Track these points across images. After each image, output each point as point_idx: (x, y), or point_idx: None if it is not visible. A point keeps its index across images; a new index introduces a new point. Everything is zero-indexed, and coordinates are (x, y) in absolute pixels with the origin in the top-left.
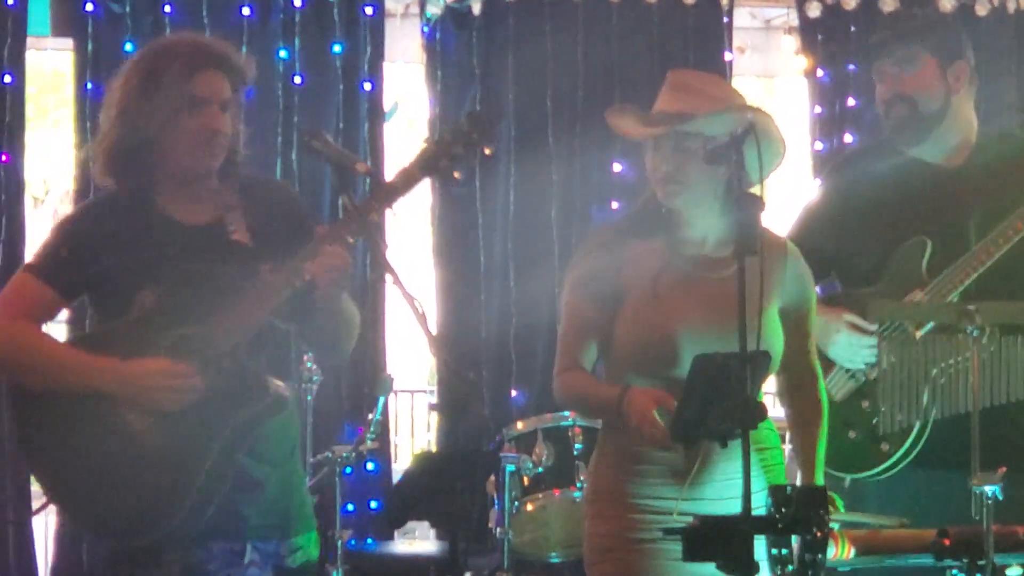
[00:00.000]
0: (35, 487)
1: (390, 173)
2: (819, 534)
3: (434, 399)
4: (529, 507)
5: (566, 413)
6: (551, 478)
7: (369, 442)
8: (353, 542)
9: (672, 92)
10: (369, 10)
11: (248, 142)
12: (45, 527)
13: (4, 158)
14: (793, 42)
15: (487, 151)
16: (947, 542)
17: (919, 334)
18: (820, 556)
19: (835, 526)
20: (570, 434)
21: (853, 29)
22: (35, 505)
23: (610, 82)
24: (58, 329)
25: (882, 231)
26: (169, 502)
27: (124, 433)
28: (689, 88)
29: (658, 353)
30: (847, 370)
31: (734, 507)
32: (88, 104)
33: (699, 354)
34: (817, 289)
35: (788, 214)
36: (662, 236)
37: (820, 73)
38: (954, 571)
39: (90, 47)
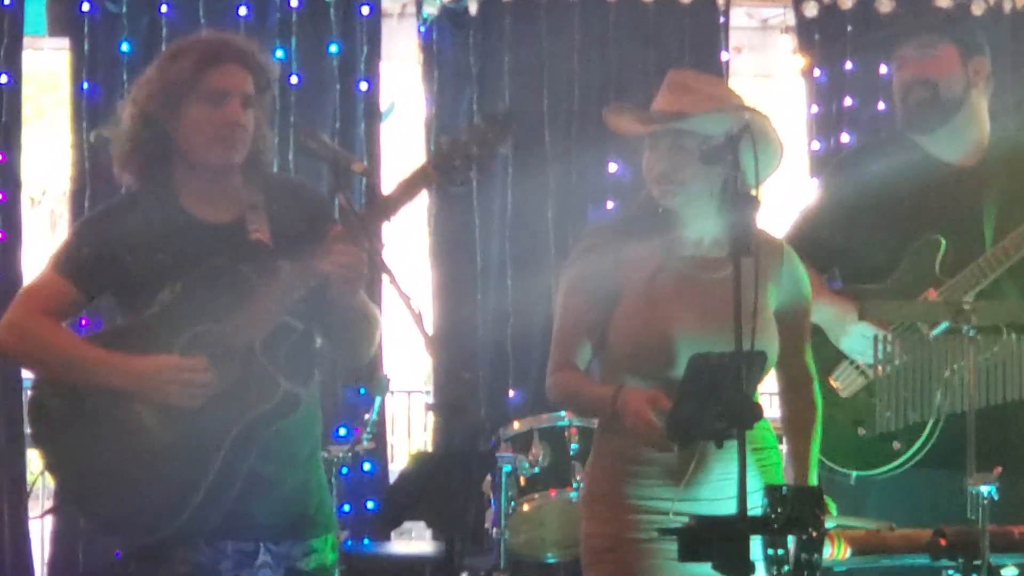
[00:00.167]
0: (34, 485)
1: (387, 173)
2: (815, 534)
3: (430, 399)
4: (525, 507)
5: (562, 413)
6: (547, 478)
7: (366, 442)
8: (350, 542)
9: (670, 91)
10: (365, 10)
11: None
12: (42, 527)
13: (1, 158)
14: (790, 42)
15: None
16: (943, 542)
17: (932, 334)
18: (816, 556)
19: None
20: (566, 434)
21: (850, 29)
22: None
23: (606, 82)
24: None
25: (895, 228)
26: (178, 499)
27: (136, 429)
28: (687, 87)
29: (654, 354)
30: (856, 366)
31: (730, 507)
32: (85, 104)
33: (695, 354)
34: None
35: (785, 214)
36: (658, 237)
37: (817, 73)
38: (950, 571)
39: (86, 47)
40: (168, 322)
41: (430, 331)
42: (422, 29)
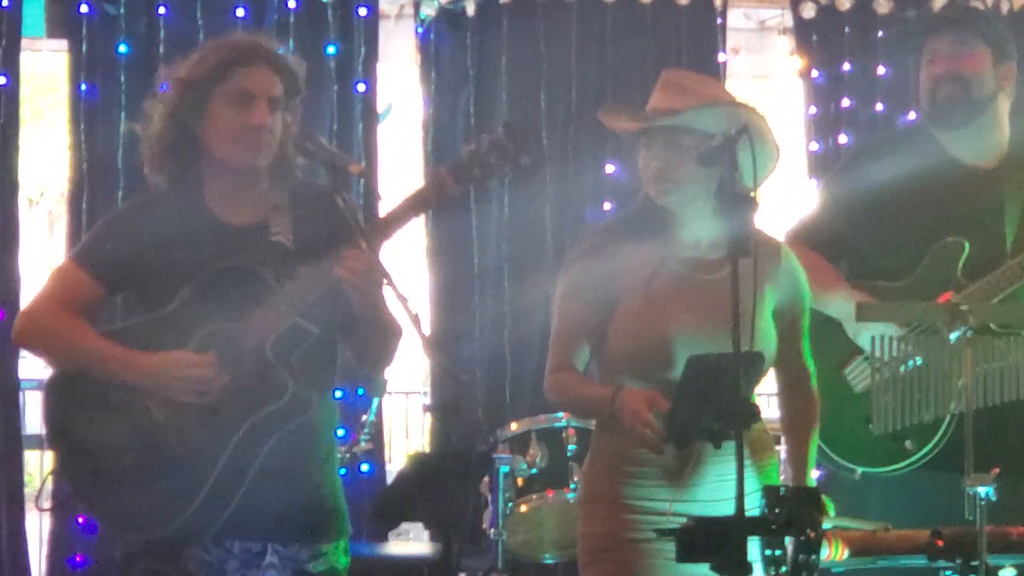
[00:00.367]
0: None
1: (385, 175)
2: (813, 535)
3: (428, 400)
4: (523, 508)
5: (560, 414)
6: (545, 479)
7: (363, 443)
8: None
9: (664, 90)
10: (363, 11)
11: None
12: (39, 528)
13: None
14: (787, 43)
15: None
16: (940, 543)
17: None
18: (814, 557)
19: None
20: (564, 435)
21: (847, 30)
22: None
23: (604, 83)
24: None
25: (913, 227)
26: (183, 495)
27: (146, 424)
28: (680, 87)
29: (653, 356)
30: (870, 361)
31: (728, 508)
32: (83, 105)
33: (693, 355)
34: None
35: (783, 216)
36: (656, 238)
37: (815, 74)
38: (947, 572)
39: (84, 49)
40: (184, 320)
41: (427, 332)
42: (419, 30)
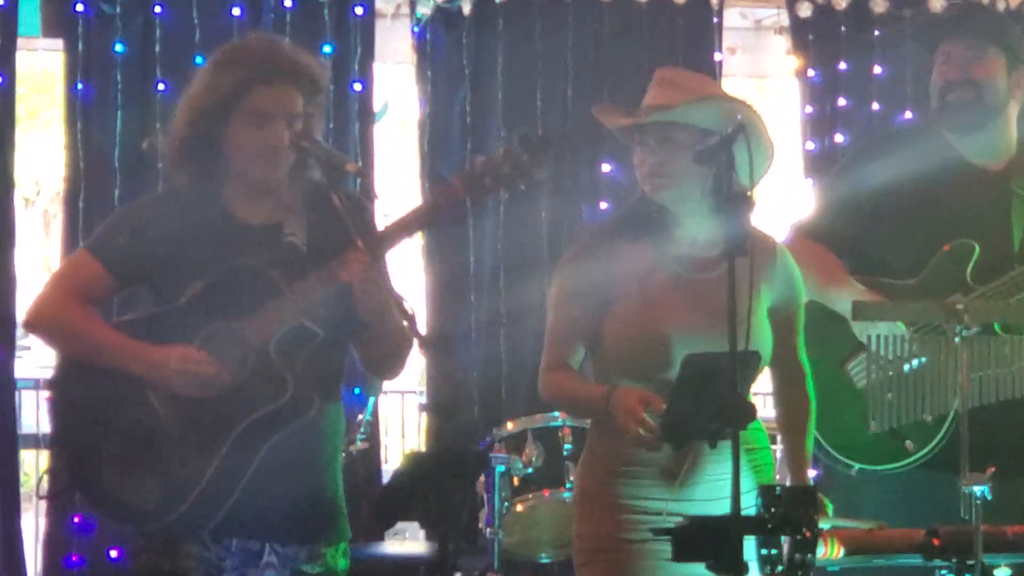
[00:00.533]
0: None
1: (381, 174)
2: (809, 534)
3: (424, 400)
4: (519, 507)
5: (556, 414)
6: (541, 479)
7: (359, 443)
8: None
9: (657, 87)
10: (359, 10)
11: None
12: (35, 528)
13: None
14: (784, 42)
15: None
16: (936, 542)
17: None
18: (810, 556)
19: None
20: (560, 435)
21: (844, 29)
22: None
23: (600, 82)
24: None
25: (920, 226)
26: (178, 489)
27: (147, 417)
28: (674, 83)
29: (649, 355)
30: (873, 359)
31: (724, 507)
32: (78, 105)
33: (689, 354)
34: None
35: (779, 215)
36: (651, 236)
37: (811, 73)
38: (943, 571)
39: (80, 48)
40: (191, 315)
41: (424, 331)
42: (415, 30)
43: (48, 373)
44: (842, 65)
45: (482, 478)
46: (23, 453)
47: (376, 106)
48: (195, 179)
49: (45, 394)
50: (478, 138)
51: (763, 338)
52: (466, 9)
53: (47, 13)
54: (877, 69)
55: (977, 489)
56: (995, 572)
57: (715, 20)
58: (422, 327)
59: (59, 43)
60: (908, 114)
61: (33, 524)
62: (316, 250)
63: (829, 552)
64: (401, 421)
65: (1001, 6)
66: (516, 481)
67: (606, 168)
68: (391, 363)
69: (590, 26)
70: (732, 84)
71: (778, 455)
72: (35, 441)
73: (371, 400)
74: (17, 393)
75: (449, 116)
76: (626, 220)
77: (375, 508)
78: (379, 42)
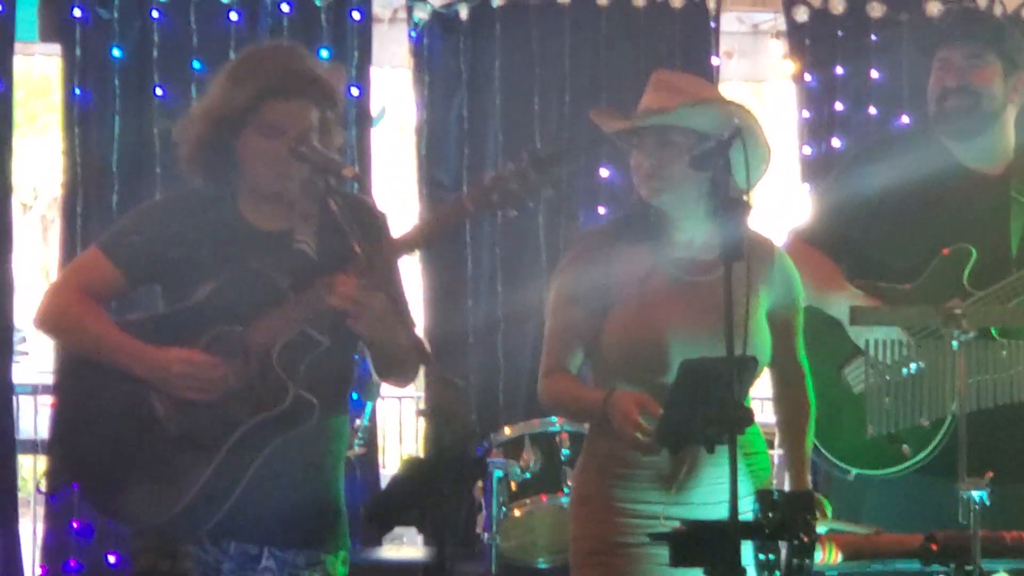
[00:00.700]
0: (22, 489)
1: (378, 179)
2: (806, 539)
3: (422, 405)
4: (516, 512)
5: (553, 419)
6: (538, 483)
7: (357, 448)
8: None
9: (654, 90)
10: (356, 15)
11: None
12: (33, 533)
13: None
14: (781, 47)
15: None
16: (934, 547)
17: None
18: (807, 561)
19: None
20: (557, 440)
21: (840, 34)
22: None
23: (597, 86)
24: None
25: (919, 231)
26: (175, 490)
27: (147, 417)
28: (670, 86)
29: (646, 359)
30: (871, 364)
31: (721, 512)
32: (76, 109)
33: (686, 359)
34: None
35: (776, 219)
36: (648, 240)
37: (808, 77)
38: None
39: (78, 53)
40: (197, 318)
41: (421, 336)
42: (413, 34)
43: (46, 379)
44: (839, 69)
45: (480, 483)
46: (20, 458)
47: (373, 111)
48: (210, 183)
49: (43, 399)
50: (475, 143)
51: (761, 341)
52: (463, 14)
53: (44, 18)
54: (874, 73)
55: (975, 494)
56: None
57: (712, 24)
58: (419, 332)
59: (57, 48)
60: (905, 119)
61: (31, 529)
62: (327, 259)
63: (827, 557)
64: (399, 426)
65: (998, 11)
66: (514, 486)
67: (604, 173)
68: (399, 374)
69: (587, 31)
70: (729, 88)
71: (776, 459)
72: (33, 446)
73: (369, 405)
74: (15, 398)
75: (446, 121)
76: (623, 224)
77: (373, 513)
78: (376, 47)
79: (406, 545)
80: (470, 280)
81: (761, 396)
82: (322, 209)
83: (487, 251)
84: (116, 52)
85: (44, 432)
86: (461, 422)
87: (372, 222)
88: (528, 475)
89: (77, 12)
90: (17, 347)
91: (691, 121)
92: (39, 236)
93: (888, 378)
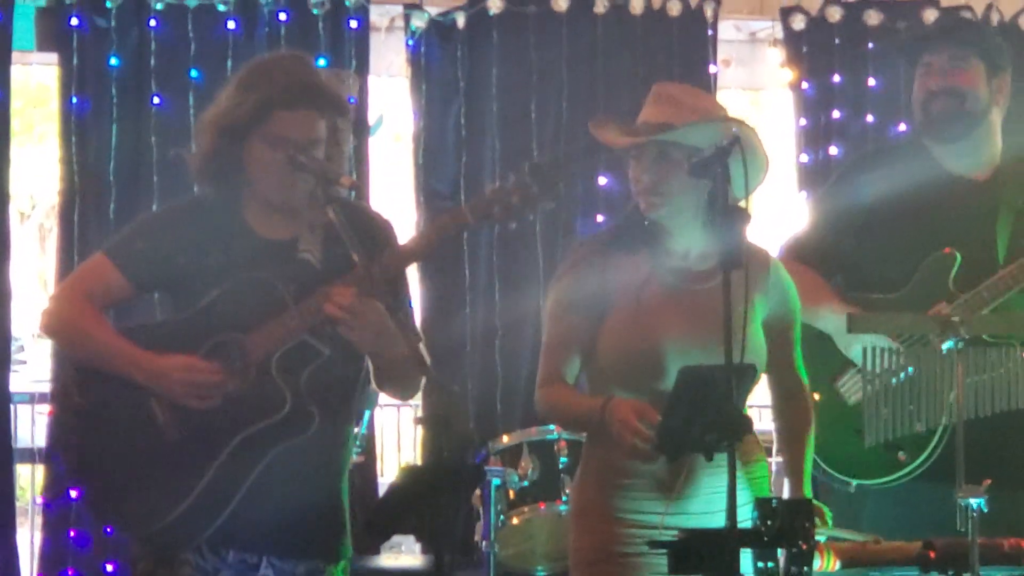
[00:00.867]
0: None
1: (376, 188)
2: (805, 547)
3: (419, 413)
4: (515, 521)
5: (551, 427)
6: (537, 492)
7: (355, 456)
8: None
9: (655, 103)
10: (354, 24)
11: None
12: (31, 543)
13: None
14: (778, 54)
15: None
16: (932, 554)
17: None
18: (806, 569)
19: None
20: (556, 448)
21: (837, 42)
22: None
23: (594, 95)
24: None
25: (908, 240)
26: (172, 496)
27: (148, 424)
28: (672, 99)
29: (643, 366)
30: (867, 374)
31: (720, 520)
32: (73, 118)
33: (684, 366)
34: None
35: (773, 227)
36: (645, 249)
37: (805, 85)
38: None
39: (75, 61)
40: (200, 325)
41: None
42: (410, 43)
43: (44, 388)
44: (836, 77)
45: (478, 491)
46: (18, 467)
47: (371, 119)
48: (218, 191)
49: (40, 408)
50: (473, 151)
51: (758, 350)
52: (460, 22)
53: (42, 27)
54: (871, 81)
55: (973, 501)
56: None
57: (710, 32)
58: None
59: (54, 57)
60: (902, 126)
61: (29, 538)
62: (330, 269)
63: (825, 565)
64: (397, 434)
65: (995, 18)
66: (512, 494)
67: (602, 181)
68: (396, 387)
69: (585, 39)
70: (727, 96)
71: (774, 467)
72: (30, 455)
73: (367, 413)
74: (12, 407)
75: (443, 129)
76: (620, 232)
77: (371, 521)
78: (373, 55)
79: (404, 553)
80: (468, 288)
81: (759, 404)
82: (329, 219)
83: (485, 259)
84: (113, 61)
85: (42, 441)
86: (459, 430)
87: (374, 231)
88: (526, 483)
89: (74, 21)
90: (15, 356)
91: (695, 139)
92: (37, 245)
93: (880, 387)
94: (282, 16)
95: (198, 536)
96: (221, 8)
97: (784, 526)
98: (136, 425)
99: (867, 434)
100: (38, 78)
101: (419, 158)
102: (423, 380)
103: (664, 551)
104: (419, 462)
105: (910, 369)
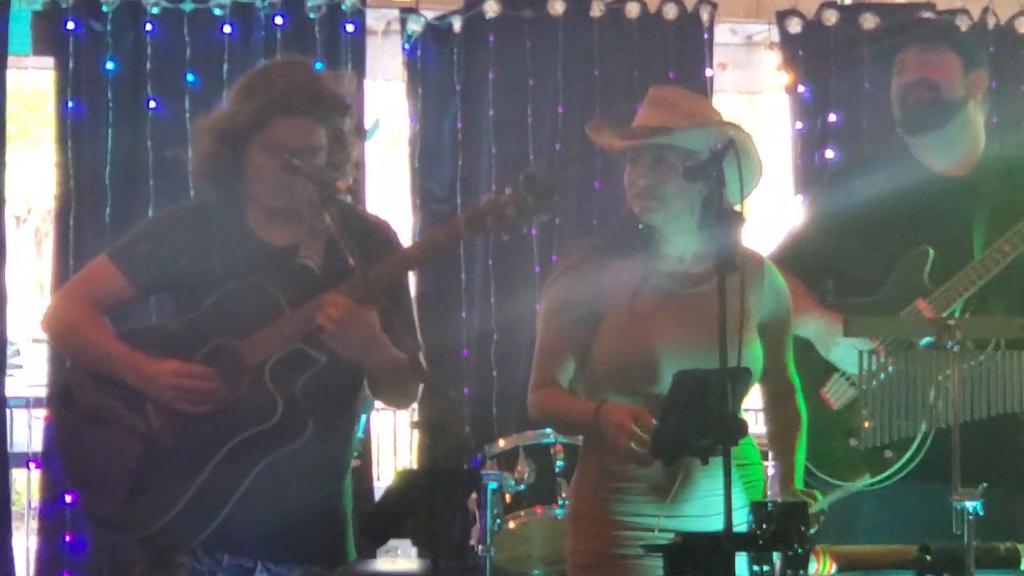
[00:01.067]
0: (16, 503)
1: (372, 192)
2: (800, 550)
3: (415, 417)
4: (511, 524)
5: (548, 431)
6: (533, 495)
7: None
8: None
9: (651, 107)
10: (350, 28)
11: None
12: (27, 547)
13: None
14: (774, 58)
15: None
16: (929, 557)
17: (921, 344)
18: (802, 572)
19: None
20: (552, 451)
21: (833, 45)
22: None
23: (591, 98)
24: None
25: (885, 240)
26: (165, 500)
27: (141, 428)
28: (668, 103)
29: (638, 370)
30: (847, 377)
31: (716, 523)
32: (69, 122)
33: (680, 370)
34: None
35: (769, 231)
36: (640, 253)
37: (801, 89)
38: None
39: (71, 65)
40: (198, 330)
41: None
42: (406, 46)
43: (39, 392)
44: (832, 81)
45: (474, 495)
46: (14, 472)
47: (367, 123)
48: (219, 195)
49: (36, 413)
50: (469, 155)
51: (752, 353)
52: (457, 26)
53: (38, 31)
54: (867, 85)
55: (969, 505)
56: None
57: (706, 36)
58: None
59: (50, 61)
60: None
61: (24, 543)
62: (331, 275)
63: (821, 568)
64: (393, 438)
65: (991, 22)
66: (508, 498)
67: (597, 185)
68: (388, 395)
69: (581, 42)
70: (723, 100)
71: (770, 471)
72: (26, 460)
73: (363, 417)
74: (8, 412)
75: (440, 133)
76: (614, 236)
77: (367, 525)
78: (370, 59)
79: (400, 557)
80: (464, 292)
81: (755, 407)
82: (336, 224)
83: (480, 263)
84: (109, 65)
85: (38, 446)
86: (455, 434)
87: (372, 235)
88: (522, 487)
89: (70, 25)
90: (11, 360)
91: (691, 144)
92: (33, 249)
93: (865, 388)
94: (278, 20)
95: (193, 540)
96: (217, 12)
97: (780, 529)
98: (131, 429)
99: (861, 438)
100: (34, 82)
101: (415, 162)
102: (420, 390)
103: (660, 554)
104: (415, 466)
105: (891, 369)
